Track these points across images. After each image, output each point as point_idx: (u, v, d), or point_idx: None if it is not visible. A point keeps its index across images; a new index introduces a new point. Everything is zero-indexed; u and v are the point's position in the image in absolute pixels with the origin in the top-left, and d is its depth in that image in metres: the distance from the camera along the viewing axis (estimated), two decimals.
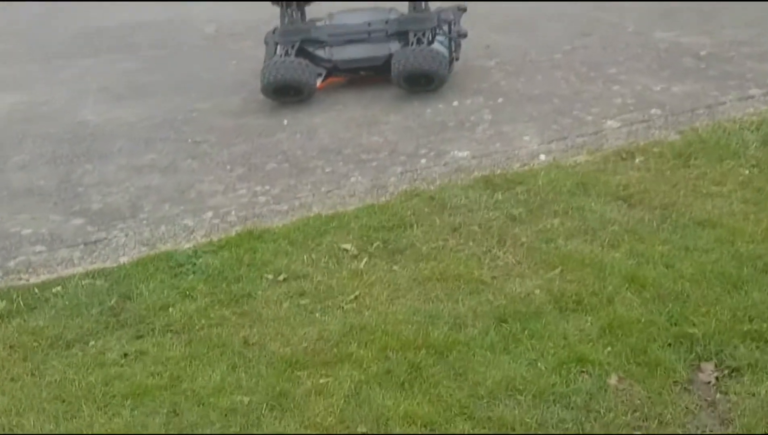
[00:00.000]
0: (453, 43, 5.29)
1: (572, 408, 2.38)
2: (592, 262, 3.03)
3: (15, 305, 3.10)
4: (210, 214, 3.81)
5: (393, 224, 3.44)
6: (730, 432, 2.28)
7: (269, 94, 5.09)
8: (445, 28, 5.27)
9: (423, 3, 5.28)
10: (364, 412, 2.42)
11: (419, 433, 2.34)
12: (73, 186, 4.26)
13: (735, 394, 2.39)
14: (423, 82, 5.00)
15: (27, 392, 2.62)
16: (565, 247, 3.15)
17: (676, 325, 2.66)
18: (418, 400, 2.45)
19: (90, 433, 2.44)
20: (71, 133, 5.06)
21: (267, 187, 4.03)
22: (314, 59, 5.24)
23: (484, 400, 2.43)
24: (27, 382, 2.68)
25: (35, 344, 2.87)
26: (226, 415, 2.47)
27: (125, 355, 2.78)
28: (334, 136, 4.60)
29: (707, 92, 4.67)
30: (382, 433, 2.35)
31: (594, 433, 2.30)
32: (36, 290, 3.20)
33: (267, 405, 2.48)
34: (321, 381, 2.56)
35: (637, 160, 3.84)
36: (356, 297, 2.98)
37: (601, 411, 2.36)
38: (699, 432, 2.29)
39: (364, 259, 3.22)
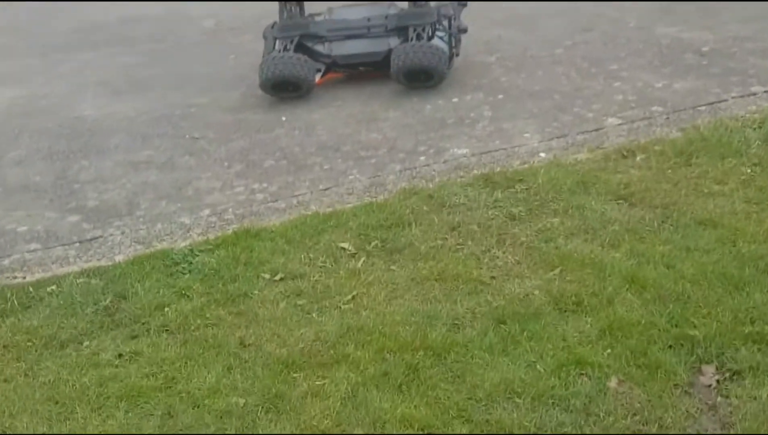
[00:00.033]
0: (453, 39, 5.26)
1: (571, 411, 2.35)
2: (592, 262, 3.00)
3: (9, 304, 3.08)
4: (207, 211, 3.78)
5: (391, 223, 3.40)
6: None
7: (268, 90, 5.06)
8: (445, 23, 5.24)
9: None
10: (361, 415, 2.40)
11: None
12: (70, 182, 4.23)
13: (736, 397, 2.36)
14: (422, 78, 4.97)
15: (20, 393, 2.60)
16: (564, 247, 3.12)
17: (676, 326, 2.63)
18: (416, 402, 2.42)
19: None
20: (69, 127, 5.03)
21: (265, 185, 4.00)
22: (313, 54, 5.21)
23: (482, 403, 2.40)
24: (20, 383, 2.65)
25: (29, 344, 2.84)
26: (221, 417, 2.44)
27: (120, 355, 2.75)
28: (333, 133, 4.57)
29: (709, 89, 4.63)
30: None
31: None
32: (30, 289, 3.17)
33: (263, 407, 2.46)
34: (317, 383, 2.53)
35: (638, 158, 3.80)
36: (354, 297, 2.95)
37: (601, 414, 2.33)
38: None
39: (362, 259, 3.19)
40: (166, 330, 2.86)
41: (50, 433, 2.44)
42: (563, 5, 6.71)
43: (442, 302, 2.87)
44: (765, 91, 4.51)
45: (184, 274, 3.17)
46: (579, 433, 2.28)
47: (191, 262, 3.24)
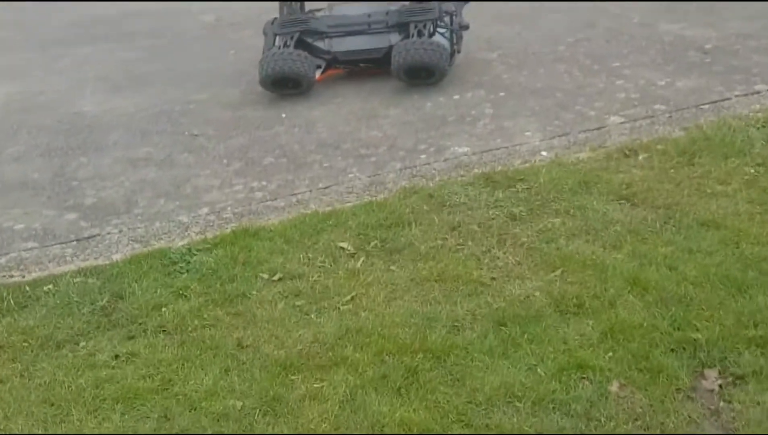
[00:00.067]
0: (454, 36, 5.22)
1: (572, 416, 2.32)
2: (594, 264, 2.97)
3: (5, 304, 3.04)
4: (205, 210, 3.75)
5: (391, 222, 3.37)
6: None
7: (268, 87, 5.03)
8: (447, 19, 5.20)
9: None
10: (359, 419, 2.37)
11: None
12: (68, 179, 4.20)
13: (739, 402, 2.33)
14: (423, 75, 4.93)
15: (15, 395, 2.57)
16: (566, 248, 3.09)
17: (679, 329, 2.60)
18: (415, 406, 2.39)
19: None
20: (67, 123, 5.00)
21: (264, 183, 3.97)
22: (313, 51, 5.17)
23: (482, 407, 2.37)
24: (15, 384, 2.62)
25: (25, 344, 2.81)
26: (218, 420, 2.41)
27: (116, 356, 2.72)
28: (333, 130, 4.53)
29: (712, 87, 4.60)
30: None
31: None
32: (27, 288, 3.14)
33: (260, 410, 2.43)
34: (315, 385, 2.50)
35: (640, 158, 3.77)
36: (353, 298, 2.92)
37: (602, 419, 2.31)
38: None
39: (362, 259, 3.16)
40: (163, 331, 2.83)
41: None
42: (565, 2, 6.67)
43: (442, 303, 2.84)
44: None
45: (181, 273, 3.14)
46: None
47: (189, 262, 3.21)
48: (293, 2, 5.42)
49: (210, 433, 2.36)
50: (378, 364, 2.57)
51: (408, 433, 2.30)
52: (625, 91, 4.68)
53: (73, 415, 2.47)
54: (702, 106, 4.35)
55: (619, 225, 3.21)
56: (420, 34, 5.00)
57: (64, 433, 2.41)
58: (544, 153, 3.98)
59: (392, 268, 3.09)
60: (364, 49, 5.16)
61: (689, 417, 2.30)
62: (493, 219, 3.35)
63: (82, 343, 2.80)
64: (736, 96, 4.45)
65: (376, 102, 4.88)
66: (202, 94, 5.31)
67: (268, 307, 2.90)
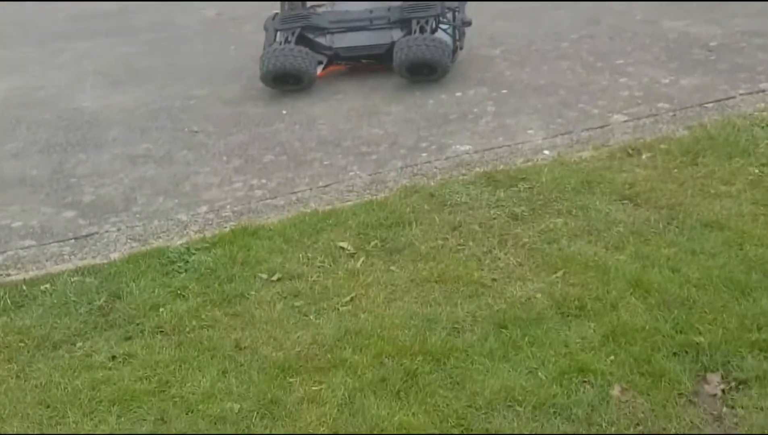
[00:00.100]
0: (457, 32, 5.18)
1: (573, 420, 2.30)
2: (596, 265, 2.94)
3: (2, 303, 3.02)
4: (204, 208, 3.72)
5: (391, 222, 3.34)
6: None
7: (268, 83, 5.00)
8: (449, 16, 5.16)
9: None
10: (358, 422, 2.34)
11: None
12: (66, 176, 4.17)
13: (742, 407, 2.30)
14: (425, 72, 4.90)
15: (11, 396, 2.54)
16: (568, 249, 3.06)
17: (681, 333, 2.57)
18: (414, 409, 2.36)
19: None
20: (67, 119, 4.97)
21: (263, 181, 3.94)
22: (315, 47, 5.14)
23: (482, 411, 2.34)
24: (12, 385, 2.60)
25: (21, 345, 2.79)
26: (215, 423, 2.39)
27: (113, 357, 2.69)
28: (334, 127, 4.50)
29: (717, 85, 4.56)
30: None
31: None
32: (24, 287, 3.11)
33: (258, 413, 2.40)
34: (314, 388, 2.48)
35: (643, 157, 3.73)
36: (352, 299, 2.89)
37: (603, 424, 2.28)
38: None
39: (361, 259, 3.13)
40: (161, 331, 2.80)
41: None
42: None
43: (442, 305, 2.82)
44: None
45: (179, 273, 3.12)
46: None
47: (187, 261, 3.18)
48: None
49: None
50: (377, 366, 2.54)
51: None
52: (628, 89, 4.64)
53: (69, 417, 2.44)
54: (706, 105, 4.32)
55: (622, 226, 3.18)
56: (422, 30, 4.96)
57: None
58: (546, 151, 3.94)
59: (392, 268, 3.06)
60: (366, 45, 5.13)
61: (691, 422, 2.27)
62: (494, 219, 3.32)
63: (79, 344, 2.78)
64: (741, 94, 4.41)
65: (378, 99, 4.84)
66: (203, 89, 5.28)
67: (267, 308, 2.88)
